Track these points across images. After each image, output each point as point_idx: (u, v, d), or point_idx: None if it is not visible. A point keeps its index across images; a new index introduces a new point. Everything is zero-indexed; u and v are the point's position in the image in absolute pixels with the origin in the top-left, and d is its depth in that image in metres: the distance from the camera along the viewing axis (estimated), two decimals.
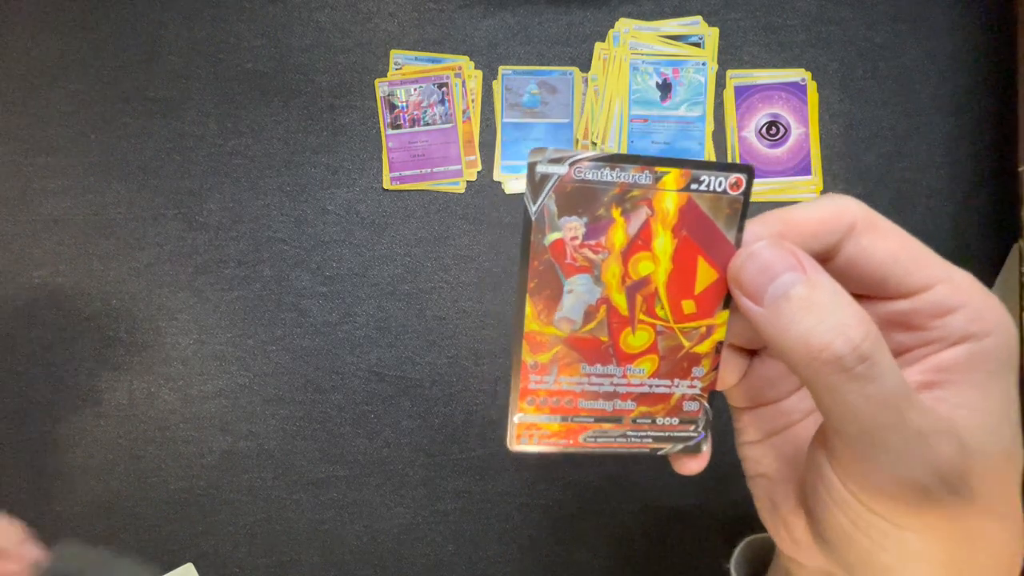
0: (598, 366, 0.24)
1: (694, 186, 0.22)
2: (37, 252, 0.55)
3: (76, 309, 0.55)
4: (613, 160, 0.21)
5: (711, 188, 0.22)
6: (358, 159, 0.56)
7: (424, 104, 0.56)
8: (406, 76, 0.56)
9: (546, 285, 0.23)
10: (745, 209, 0.23)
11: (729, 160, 0.57)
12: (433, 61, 0.56)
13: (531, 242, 0.22)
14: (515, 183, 0.56)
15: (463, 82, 0.56)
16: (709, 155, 0.55)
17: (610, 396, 0.24)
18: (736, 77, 0.57)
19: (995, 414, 0.22)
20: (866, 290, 0.24)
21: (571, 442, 0.25)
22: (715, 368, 0.25)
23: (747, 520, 0.58)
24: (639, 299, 0.23)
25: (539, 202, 0.22)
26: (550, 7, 0.57)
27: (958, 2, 0.57)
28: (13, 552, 0.37)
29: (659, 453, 0.26)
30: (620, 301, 0.23)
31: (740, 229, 0.23)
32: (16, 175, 0.55)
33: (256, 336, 0.55)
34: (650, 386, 0.24)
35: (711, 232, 0.23)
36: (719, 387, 0.26)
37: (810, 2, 0.57)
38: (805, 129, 0.57)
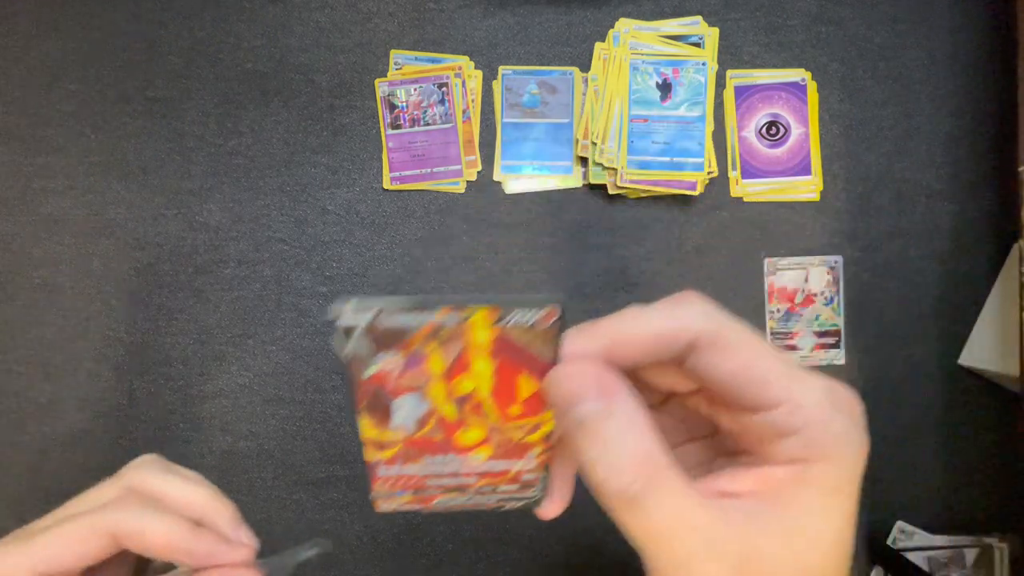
0: (439, 456, 0.26)
1: (503, 322, 0.22)
2: (37, 252, 0.55)
3: (76, 309, 0.55)
4: (417, 306, 0.22)
5: (521, 323, 0.22)
6: (358, 159, 0.56)
7: (424, 104, 0.56)
8: (406, 76, 0.56)
9: (376, 405, 0.24)
10: (559, 337, 0.23)
11: (729, 159, 0.57)
12: (433, 61, 0.56)
13: (354, 376, 0.24)
14: (515, 183, 0.56)
15: (463, 82, 0.56)
16: (709, 154, 0.55)
17: (454, 475, 0.26)
18: (736, 77, 0.57)
19: (809, 538, 0.23)
20: (718, 397, 0.25)
21: (425, 506, 0.28)
22: (549, 448, 0.26)
23: None
24: (467, 407, 0.24)
25: (350, 347, 0.23)
26: (550, 7, 0.57)
27: (958, 2, 0.57)
28: (231, 535, 0.31)
29: (503, 509, 0.28)
30: (449, 411, 0.24)
31: (557, 349, 0.23)
32: (16, 175, 0.55)
33: (256, 336, 0.55)
34: (488, 467, 0.26)
35: (526, 355, 0.23)
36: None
37: (810, 2, 0.57)
38: (805, 129, 0.57)
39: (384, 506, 0.27)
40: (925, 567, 0.54)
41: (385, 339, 0.23)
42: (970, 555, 0.55)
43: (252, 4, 0.56)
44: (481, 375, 0.24)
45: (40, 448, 0.54)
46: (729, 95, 0.57)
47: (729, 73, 0.57)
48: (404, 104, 0.56)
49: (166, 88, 0.56)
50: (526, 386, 0.24)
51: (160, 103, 0.56)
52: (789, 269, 0.57)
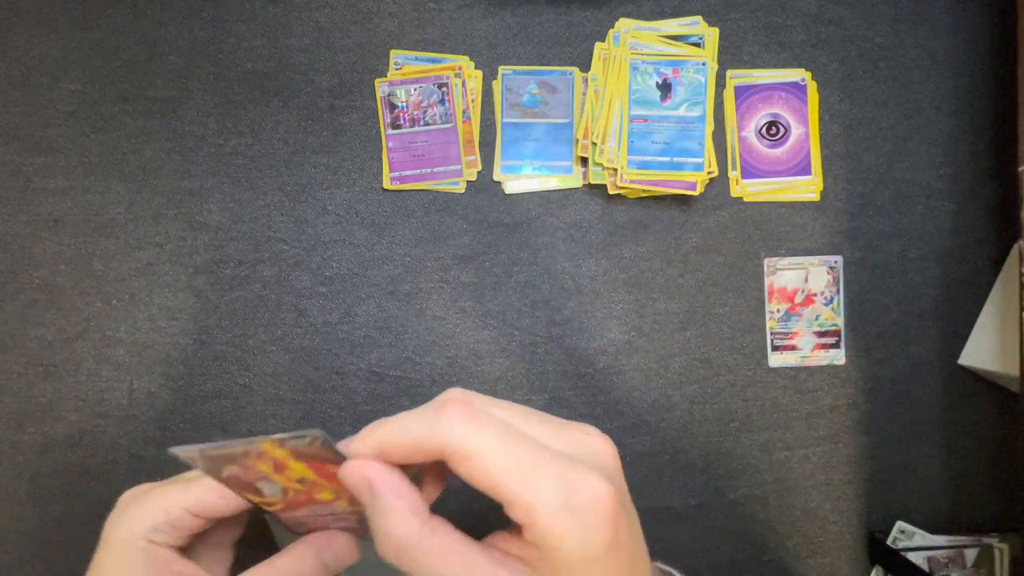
0: (314, 507, 0.34)
1: (287, 445, 0.30)
2: (37, 252, 0.55)
3: (76, 309, 0.55)
4: (223, 447, 0.30)
5: (297, 445, 0.29)
6: (358, 159, 0.56)
7: (424, 104, 0.56)
8: (406, 76, 0.56)
9: (246, 488, 0.33)
10: (333, 449, 0.30)
11: (729, 159, 0.57)
12: (433, 61, 0.56)
13: (215, 479, 0.32)
14: (515, 183, 0.56)
15: (463, 82, 0.56)
16: (709, 154, 0.55)
17: (332, 513, 0.35)
18: (736, 77, 0.57)
19: None
20: None
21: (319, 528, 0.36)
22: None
23: (747, 520, 0.59)
24: (308, 484, 0.32)
25: (199, 467, 0.31)
26: (550, 7, 0.57)
27: (958, 2, 0.57)
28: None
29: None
30: (296, 487, 0.32)
31: (336, 455, 0.30)
32: (16, 175, 0.55)
33: (256, 336, 0.55)
34: (353, 508, 0.34)
35: (322, 457, 0.31)
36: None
37: (810, 2, 0.57)
38: (805, 129, 0.57)
39: (298, 531, 0.37)
40: (925, 567, 0.54)
41: (216, 461, 0.31)
42: (970, 555, 0.55)
43: (252, 4, 0.56)
44: (299, 469, 0.31)
45: (40, 448, 0.54)
46: (729, 95, 0.57)
47: (729, 73, 0.57)
48: (404, 104, 0.56)
49: (166, 88, 0.56)
50: (334, 469, 0.31)
51: (160, 103, 0.56)
52: (789, 269, 0.57)
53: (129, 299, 0.55)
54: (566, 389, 0.56)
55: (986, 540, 0.55)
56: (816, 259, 0.57)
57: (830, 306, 0.57)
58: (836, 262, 0.57)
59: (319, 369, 0.55)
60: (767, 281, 0.57)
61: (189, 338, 0.55)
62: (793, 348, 0.57)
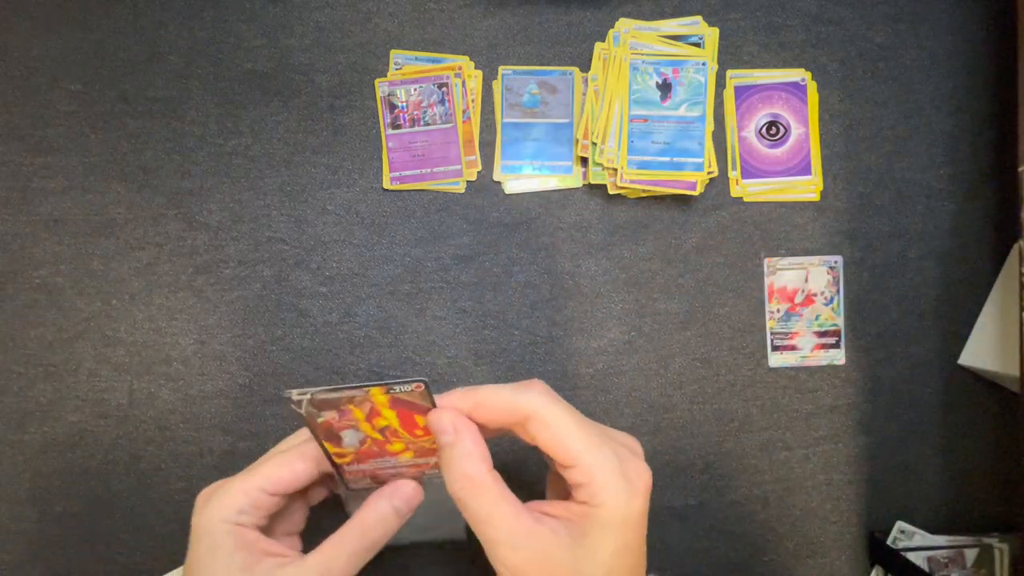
0: (380, 460, 0.40)
1: (391, 392, 0.36)
2: (37, 252, 0.55)
3: (76, 309, 0.55)
4: (335, 390, 0.36)
5: (402, 391, 0.36)
6: (358, 159, 0.56)
7: (424, 104, 0.56)
8: (406, 76, 0.56)
9: (330, 436, 0.38)
10: (429, 396, 0.36)
11: (729, 159, 0.57)
12: (433, 61, 0.56)
13: (313, 425, 0.37)
14: (515, 183, 0.56)
15: (463, 82, 0.56)
16: (709, 154, 0.55)
17: (394, 468, 0.41)
18: (736, 77, 0.57)
19: (584, 548, 0.35)
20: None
21: (380, 484, 0.41)
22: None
23: (747, 520, 0.59)
24: (387, 432, 0.38)
25: (302, 411, 0.36)
26: (550, 7, 0.57)
27: (958, 2, 0.57)
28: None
29: (429, 475, 0.42)
30: (376, 436, 0.38)
31: (432, 403, 0.37)
32: (16, 175, 0.55)
33: (256, 336, 0.55)
34: (414, 462, 0.40)
35: (414, 406, 0.37)
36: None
37: (810, 2, 0.57)
38: (805, 129, 0.57)
39: (352, 486, 0.42)
40: (925, 567, 0.54)
41: (322, 405, 0.36)
42: (970, 555, 0.55)
43: (252, 4, 0.56)
44: (390, 417, 0.37)
45: (40, 448, 0.54)
46: (729, 95, 0.57)
47: (729, 73, 0.57)
48: (404, 104, 0.56)
49: (166, 88, 0.56)
50: (420, 421, 0.38)
51: (160, 103, 0.56)
52: (789, 269, 0.57)
53: (129, 299, 0.55)
54: (566, 389, 0.56)
55: (986, 540, 0.55)
56: (816, 259, 0.57)
57: (830, 306, 0.57)
58: (836, 262, 0.57)
59: (319, 369, 0.55)
60: (767, 281, 0.57)
61: (189, 338, 0.55)
62: (793, 348, 0.57)
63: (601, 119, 0.55)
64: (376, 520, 0.39)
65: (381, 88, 0.56)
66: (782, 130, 0.57)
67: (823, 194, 0.57)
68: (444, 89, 0.56)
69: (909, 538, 0.55)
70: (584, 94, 0.56)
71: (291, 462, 0.39)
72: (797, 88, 0.57)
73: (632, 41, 0.55)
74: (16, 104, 0.55)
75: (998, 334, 0.55)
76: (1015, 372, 0.52)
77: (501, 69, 0.56)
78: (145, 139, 0.56)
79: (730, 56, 0.57)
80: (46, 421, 0.55)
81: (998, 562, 0.54)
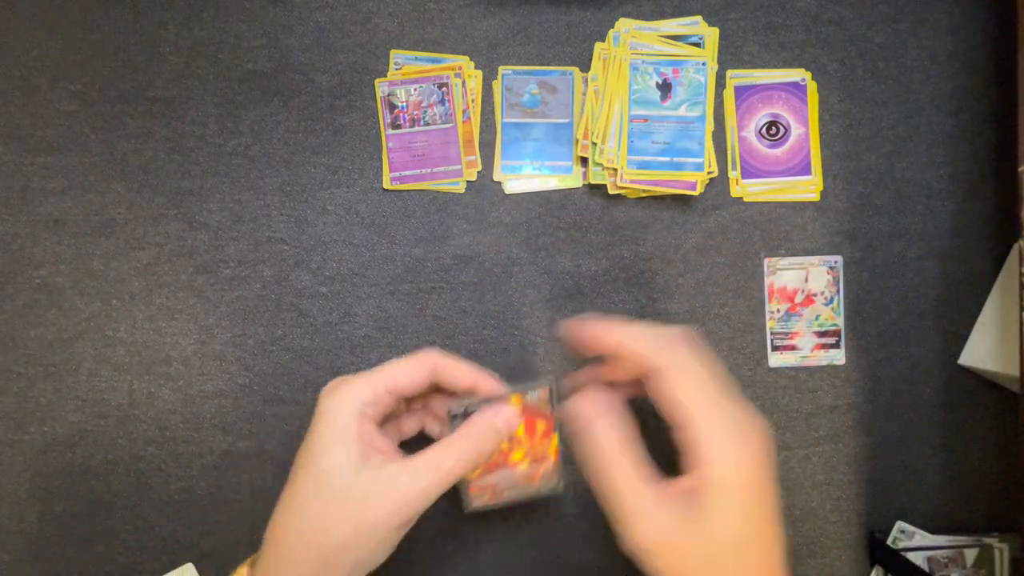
0: (502, 471, 0.47)
1: (527, 397, 0.44)
2: (37, 252, 0.55)
3: (76, 309, 0.55)
4: (487, 400, 0.43)
5: (532, 398, 0.44)
6: (358, 159, 0.56)
7: (424, 104, 0.56)
8: (406, 76, 0.56)
9: None
10: (552, 401, 0.44)
11: (729, 159, 0.57)
12: (433, 61, 0.56)
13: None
14: (515, 183, 0.56)
15: (463, 82, 0.56)
16: (709, 154, 0.55)
17: (511, 480, 0.47)
18: (736, 77, 0.57)
19: (703, 520, 0.35)
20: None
21: (496, 500, 0.48)
22: (557, 457, 0.47)
23: None
24: (511, 440, 0.46)
25: (454, 423, 0.43)
26: (550, 7, 0.57)
27: (958, 2, 0.57)
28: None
29: (542, 493, 0.48)
30: (504, 446, 0.46)
31: (553, 408, 0.45)
32: (16, 175, 0.55)
33: (256, 336, 0.55)
34: (528, 471, 0.47)
35: (538, 412, 0.45)
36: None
37: (810, 2, 0.57)
38: (805, 129, 0.57)
39: (475, 504, 0.47)
40: (925, 567, 0.54)
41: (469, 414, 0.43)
42: (970, 555, 0.55)
43: (252, 4, 0.56)
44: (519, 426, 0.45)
45: (40, 448, 0.54)
46: (729, 95, 0.57)
47: (729, 73, 0.57)
48: (404, 104, 0.56)
49: (166, 88, 0.56)
50: (541, 426, 0.45)
51: (160, 103, 0.56)
52: (789, 269, 0.57)
53: (129, 299, 0.55)
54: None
55: (986, 540, 0.55)
56: (816, 259, 0.57)
57: (830, 306, 0.57)
58: (836, 262, 0.57)
59: (319, 369, 0.55)
60: (767, 281, 0.57)
61: (189, 338, 0.55)
62: (793, 348, 0.57)
63: (601, 119, 0.55)
64: (482, 431, 0.41)
65: (381, 88, 0.56)
66: (782, 130, 0.57)
67: (823, 194, 0.57)
68: (444, 89, 0.56)
69: (909, 538, 0.55)
70: (584, 94, 0.56)
71: (411, 366, 0.43)
72: (797, 88, 0.57)
73: (632, 41, 0.55)
74: (16, 104, 0.55)
75: (998, 334, 0.55)
76: (1015, 372, 0.52)
77: (501, 69, 0.56)
78: (145, 139, 0.56)
79: (730, 56, 0.57)
80: (46, 421, 0.55)
81: (998, 562, 0.54)
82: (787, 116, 0.57)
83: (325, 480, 0.39)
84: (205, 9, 0.56)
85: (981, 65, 0.57)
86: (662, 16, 0.57)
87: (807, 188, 0.57)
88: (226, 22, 0.56)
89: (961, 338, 0.57)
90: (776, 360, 0.57)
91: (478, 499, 0.47)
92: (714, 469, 0.35)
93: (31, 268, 0.55)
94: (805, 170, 0.57)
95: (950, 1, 0.57)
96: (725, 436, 0.35)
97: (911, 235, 0.57)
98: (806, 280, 0.57)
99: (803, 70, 0.57)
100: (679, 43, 0.56)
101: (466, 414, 0.42)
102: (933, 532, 0.56)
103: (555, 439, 0.47)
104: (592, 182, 0.56)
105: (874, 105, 0.57)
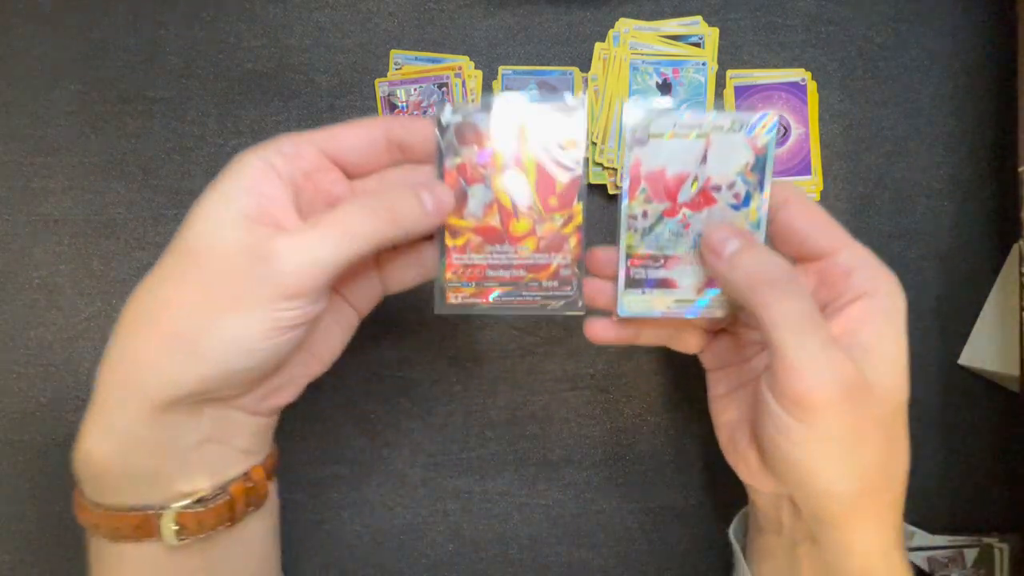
0: (496, 245, 0.35)
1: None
2: (37, 252, 0.55)
3: (76, 309, 0.55)
4: (488, 109, 0.34)
5: (557, 110, 0.34)
6: None
7: (424, 104, 0.56)
8: (406, 76, 0.56)
9: (457, 193, 0.35)
10: (582, 141, 0.35)
11: None
12: (433, 61, 0.56)
13: (443, 165, 0.35)
14: None
15: (463, 82, 0.56)
16: None
17: (507, 266, 0.36)
18: (736, 77, 0.57)
19: (885, 353, 0.32)
20: (794, 253, 0.35)
21: (483, 301, 0.36)
22: (579, 243, 0.36)
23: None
24: (519, 204, 0.35)
25: (445, 138, 0.34)
26: (550, 7, 0.57)
27: (958, 2, 0.57)
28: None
29: (547, 309, 0.37)
30: (505, 200, 0.35)
31: (581, 153, 0.35)
32: (16, 175, 0.55)
33: None
34: (534, 259, 0.36)
35: (559, 163, 0.34)
36: (688, 350, 0.42)
37: (810, 2, 0.57)
38: (805, 129, 0.57)
39: (452, 298, 0.36)
40: (925, 567, 0.54)
41: (468, 134, 0.34)
42: (970, 555, 0.55)
43: (252, 4, 0.56)
44: (529, 169, 0.34)
45: (40, 448, 0.54)
46: (729, 95, 0.57)
47: (729, 73, 0.57)
48: (404, 104, 0.56)
49: (166, 88, 0.56)
50: (560, 186, 0.35)
51: (160, 103, 0.56)
52: None
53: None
54: (566, 390, 0.56)
55: (986, 540, 0.55)
56: None
57: None
58: None
59: None
60: None
61: None
62: None
63: (601, 119, 0.55)
64: (405, 203, 0.33)
65: (381, 88, 0.56)
66: (782, 130, 0.57)
67: (823, 194, 0.57)
68: (444, 89, 0.56)
69: (909, 538, 0.55)
70: (584, 94, 0.56)
71: (362, 129, 0.36)
72: (797, 88, 0.57)
73: (632, 41, 0.55)
74: (16, 104, 0.55)
75: (998, 334, 0.55)
76: (1015, 372, 0.52)
77: (501, 69, 0.56)
78: (145, 139, 0.56)
79: (730, 56, 0.57)
80: (46, 421, 0.55)
81: (998, 562, 0.54)
82: (787, 116, 0.57)
83: (187, 248, 0.34)
84: (205, 9, 0.56)
85: (981, 65, 0.57)
86: (662, 16, 0.57)
87: (807, 188, 0.57)
88: (226, 22, 0.56)
89: (961, 338, 0.57)
90: None
91: (456, 290, 0.36)
92: (882, 296, 0.33)
93: (31, 268, 0.55)
94: (805, 170, 0.57)
95: (950, 1, 0.57)
96: (879, 260, 0.34)
97: (911, 235, 0.57)
98: None
99: (803, 70, 0.57)
100: (679, 43, 0.56)
101: (463, 127, 0.33)
102: (933, 532, 0.56)
103: (579, 213, 0.36)
104: (592, 182, 0.56)
105: (874, 105, 0.57)
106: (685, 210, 0.36)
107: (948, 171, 0.57)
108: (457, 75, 0.56)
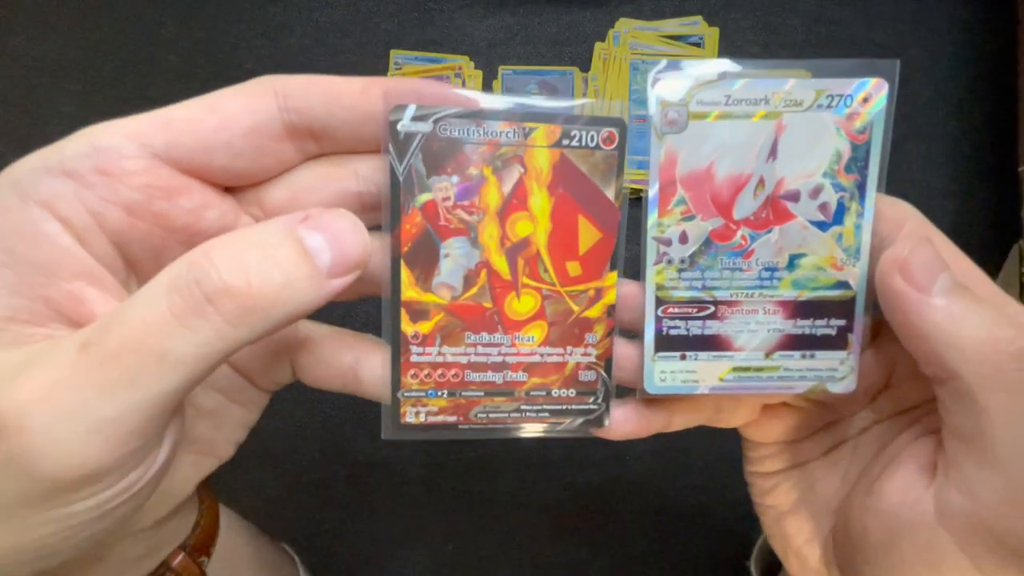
0: (484, 335, 0.23)
1: (565, 141, 0.22)
2: None
3: None
4: (479, 116, 0.21)
5: (583, 143, 0.22)
6: None
7: None
8: (406, 76, 0.56)
9: (421, 249, 0.22)
10: (621, 164, 0.22)
11: None
12: (433, 61, 0.56)
13: (400, 204, 0.22)
14: None
15: (463, 82, 0.56)
16: None
17: (499, 367, 0.23)
18: None
19: None
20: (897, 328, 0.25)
21: (460, 418, 0.24)
22: (609, 334, 0.24)
23: (748, 520, 0.58)
24: (521, 262, 0.22)
25: (406, 162, 0.21)
26: (550, 7, 0.57)
27: (958, 2, 0.57)
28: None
29: (558, 429, 0.24)
30: (501, 264, 0.22)
31: (618, 186, 0.23)
32: None
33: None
34: (541, 355, 0.23)
35: (588, 189, 0.22)
36: (729, 425, 0.28)
37: (810, 2, 0.57)
38: None
39: (410, 416, 0.23)
40: None
41: (441, 156, 0.21)
42: None
43: (252, 4, 0.56)
44: (539, 214, 0.22)
45: None
46: None
47: None
48: None
49: (166, 88, 0.56)
50: (587, 234, 0.22)
51: (160, 103, 0.56)
52: None
53: None
54: None
55: None
56: None
57: None
58: None
59: None
60: None
61: None
62: None
63: None
64: (271, 263, 0.19)
65: None
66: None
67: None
68: None
69: None
70: (584, 94, 0.56)
71: (244, 93, 0.24)
72: None
73: (632, 41, 0.55)
74: (16, 104, 0.55)
75: None
76: None
77: (501, 69, 0.56)
78: None
79: (730, 56, 0.57)
80: None
81: None
82: None
83: None
84: (205, 9, 0.56)
85: (981, 65, 0.57)
86: (662, 16, 0.57)
87: None
88: (226, 22, 0.56)
89: None
90: None
91: (418, 403, 0.23)
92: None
93: None
94: None
95: (950, 1, 0.57)
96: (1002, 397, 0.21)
97: None
98: None
99: (803, 70, 0.57)
100: (679, 43, 0.56)
101: (431, 139, 0.21)
102: None
103: (611, 286, 0.24)
104: None
105: None
106: (745, 230, 0.24)
107: (948, 171, 0.57)
108: (457, 75, 0.56)
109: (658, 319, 0.24)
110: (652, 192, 0.24)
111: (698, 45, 0.56)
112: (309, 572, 0.40)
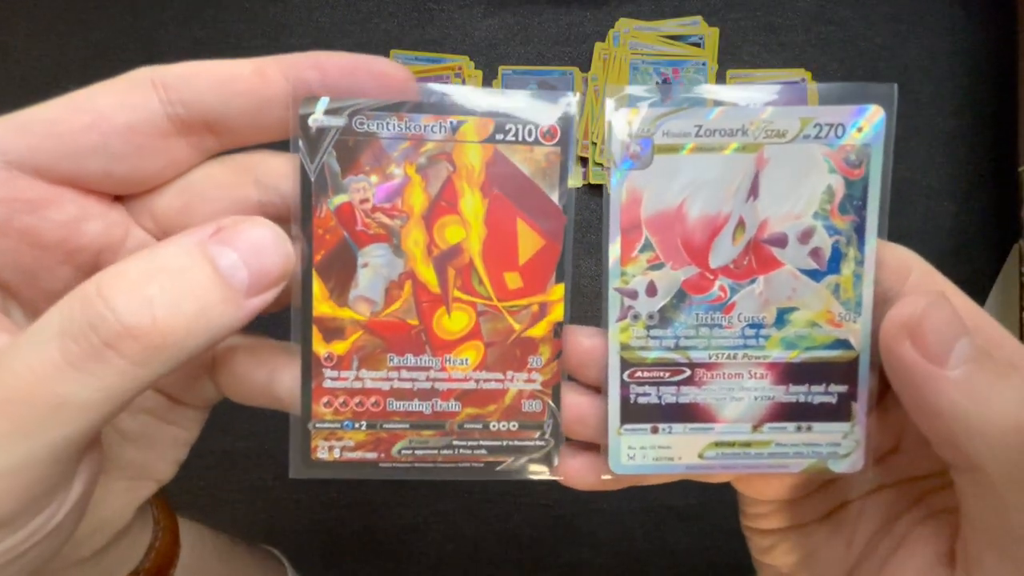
0: (409, 356, 0.20)
1: (499, 136, 0.19)
2: None
3: None
4: (399, 109, 0.18)
5: (520, 138, 0.19)
6: None
7: None
8: None
9: (336, 258, 0.19)
10: (567, 162, 0.19)
11: None
12: (433, 61, 0.56)
13: (312, 208, 0.19)
14: None
15: (463, 82, 0.56)
16: None
17: (428, 394, 0.20)
18: (736, 77, 0.57)
19: None
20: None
21: (382, 455, 0.20)
22: (556, 356, 0.21)
23: None
24: (452, 272, 0.19)
25: (317, 160, 0.18)
26: (550, 7, 0.57)
27: (958, 2, 0.57)
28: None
29: (497, 468, 0.20)
30: (428, 275, 0.19)
31: (563, 186, 0.19)
32: None
33: (255, 336, 0.55)
34: (477, 381, 0.20)
35: (528, 190, 0.19)
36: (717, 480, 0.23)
37: (810, 2, 0.57)
38: None
39: (321, 451, 0.21)
40: None
41: (357, 154, 0.18)
42: None
43: (252, 4, 0.56)
44: (472, 218, 0.19)
45: None
46: None
47: (729, 73, 0.57)
48: None
49: None
50: (528, 241, 0.19)
51: None
52: None
53: None
54: None
55: None
56: None
57: None
58: None
59: None
60: None
61: None
62: None
63: (601, 119, 0.55)
64: (182, 284, 0.17)
65: None
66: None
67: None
68: None
69: None
70: (584, 94, 0.56)
71: (118, 87, 0.22)
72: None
73: (632, 41, 0.55)
74: (16, 104, 0.55)
75: None
76: None
77: (501, 69, 0.56)
78: None
79: (730, 56, 0.57)
80: None
81: None
82: None
83: None
84: (205, 9, 0.56)
85: (981, 65, 0.57)
86: (662, 16, 0.57)
87: None
88: (226, 22, 0.56)
89: None
90: None
91: (332, 436, 0.21)
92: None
93: None
94: None
95: (950, 1, 0.57)
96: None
97: (911, 235, 0.57)
98: None
99: (803, 70, 0.57)
100: (679, 43, 0.56)
101: (346, 134, 0.19)
102: None
103: (558, 300, 0.20)
104: (592, 182, 0.56)
105: None
106: (724, 279, 0.21)
107: (948, 171, 0.57)
108: (457, 75, 0.56)
109: (624, 384, 0.21)
110: (612, 237, 0.20)
111: (698, 45, 0.56)
112: (297, 573, 0.40)
